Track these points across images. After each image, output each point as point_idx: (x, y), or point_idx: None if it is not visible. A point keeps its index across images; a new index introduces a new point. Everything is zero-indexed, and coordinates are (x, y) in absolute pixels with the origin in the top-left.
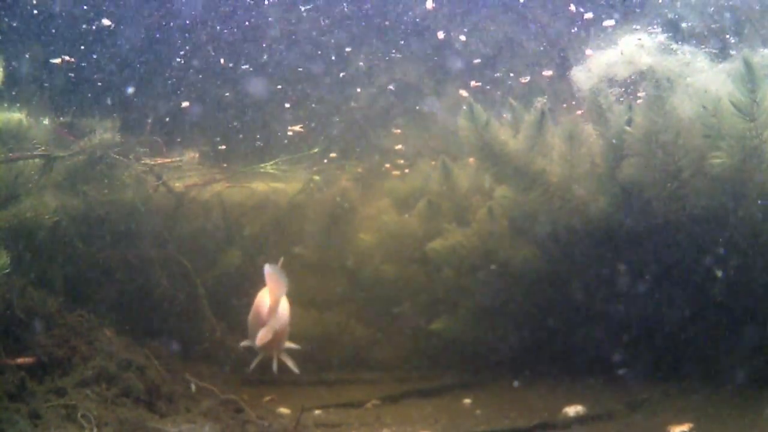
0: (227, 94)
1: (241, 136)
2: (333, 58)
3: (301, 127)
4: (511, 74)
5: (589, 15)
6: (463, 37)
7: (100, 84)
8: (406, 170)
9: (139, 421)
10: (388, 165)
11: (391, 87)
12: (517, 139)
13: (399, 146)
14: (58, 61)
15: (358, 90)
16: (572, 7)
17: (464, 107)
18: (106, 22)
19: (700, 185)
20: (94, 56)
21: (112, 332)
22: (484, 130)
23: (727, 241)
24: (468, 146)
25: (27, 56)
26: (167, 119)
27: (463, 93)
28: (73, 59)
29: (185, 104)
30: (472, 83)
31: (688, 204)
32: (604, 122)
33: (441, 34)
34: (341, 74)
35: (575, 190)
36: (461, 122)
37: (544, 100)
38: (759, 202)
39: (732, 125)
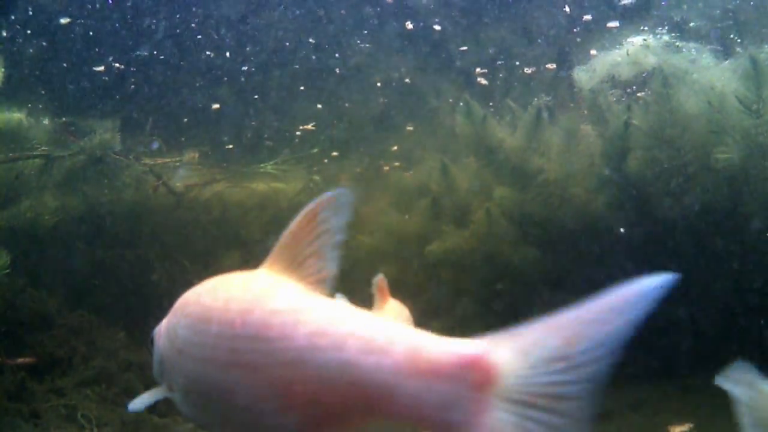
0: (227, 93)
1: (248, 135)
2: (334, 57)
3: (312, 126)
4: (516, 71)
5: (588, 17)
6: (468, 37)
7: (100, 84)
8: (410, 171)
9: (139, 421)
10: (386, 167)
11: (407, 80)
12: (514, 137)
13: (395, 147)
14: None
15: (376, 86)
16: (570, 9)
17: (461, 104)
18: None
19: (705, 180)
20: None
21: (116, 332)
22: (481, 127)
23: (730, 237)
24: (465, 144)
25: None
26: (168, 119)
27: (482, 81)
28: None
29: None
30: (479, 70)
31: (693, 199)
32: (603, 121)
33: (443, 33)
34: (339, 71)
35: (574, 188)
36: (458, 119)
37: (548, 99)
38: None
39: (737, 121)
